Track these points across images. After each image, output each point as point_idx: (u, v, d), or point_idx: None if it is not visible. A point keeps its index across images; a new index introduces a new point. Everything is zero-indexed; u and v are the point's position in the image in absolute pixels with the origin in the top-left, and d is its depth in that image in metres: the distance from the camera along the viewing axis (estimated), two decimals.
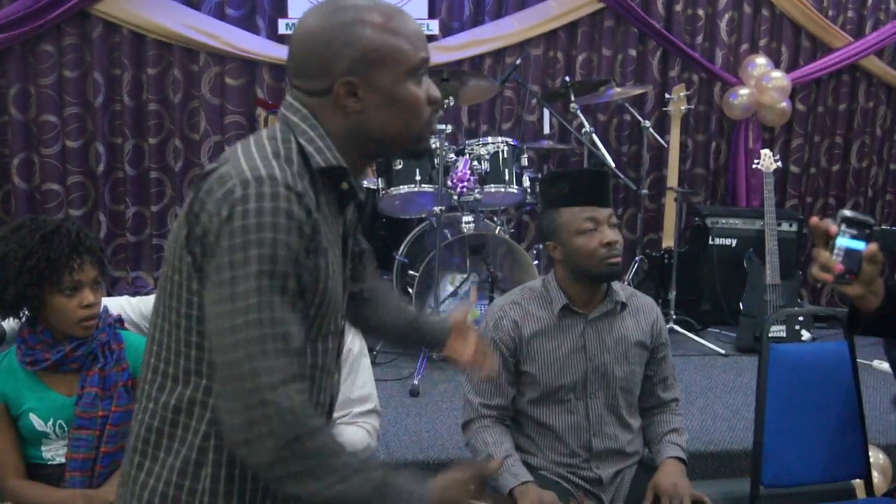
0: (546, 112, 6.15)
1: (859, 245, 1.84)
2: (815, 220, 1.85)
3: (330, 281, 1.71)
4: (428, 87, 1.77)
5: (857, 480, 3.55)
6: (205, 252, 1.61)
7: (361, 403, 2.89)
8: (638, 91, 6.40)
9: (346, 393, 2.86)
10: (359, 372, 2.91)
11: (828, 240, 1.84)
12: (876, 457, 4.15)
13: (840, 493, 3.67)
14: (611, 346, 2.92)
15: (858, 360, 5.32)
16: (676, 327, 5.94)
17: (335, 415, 2.89)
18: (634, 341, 2.96)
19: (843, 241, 1.83)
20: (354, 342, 2.90)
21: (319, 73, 1.70)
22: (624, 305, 2.96)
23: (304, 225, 1.61)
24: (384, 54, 1.70)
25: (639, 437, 3.04)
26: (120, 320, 2.74)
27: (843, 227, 1.85)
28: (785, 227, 6.32)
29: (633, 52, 6.83)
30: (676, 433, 3.04)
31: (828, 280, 1.83)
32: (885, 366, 5.29)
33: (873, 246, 1.84)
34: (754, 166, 6.07)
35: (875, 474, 3.95)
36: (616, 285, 3.00)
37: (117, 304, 2.98)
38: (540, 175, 5.61)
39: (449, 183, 5.28)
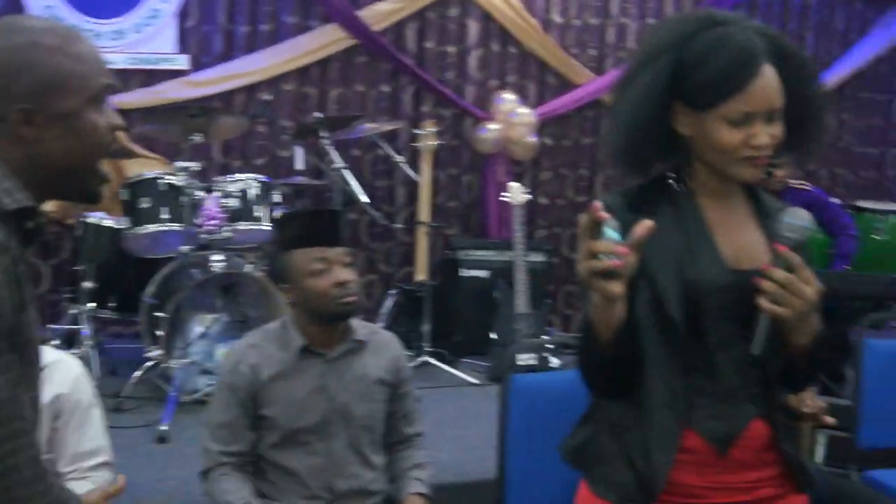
0: (298, 148, 6.13)
1: (618, 237, 1.77)
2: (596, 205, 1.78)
3: (33, 330, 1.63)
4: (108, 115, 1.70)
5: None
6: None
7: (92, 457, 2.76)
8: (390, 126, 6.48)
9: (75, 446, 2.73)
10: (89, 424, 2.78)
11: (598, 231, 1.76)
12: None
13: None
14: (351, 385, 2.91)
15: None
16: (430, 359, 6.01)
17: (65, 470, 2.77)
18: (375, 379, 2.96)
19: (610, 233, 1.76)
20: (82, 393, 2.77)
21: None
22: (364, 344, 2.96)
23: (11, 277, 1.53)
24: (62, 80, 1.62)
25: (383, 474, 3.04)
26: None
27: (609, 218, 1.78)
28: (534, 257, 6.51)
29: (386, 88, 6.91)
30: (419, 468, 3.07)
31: (612, 266, 1.73)
32: None
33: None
34: (502, 199, 6.24)
35: None
36: (356, 324, 3.00)
37: None
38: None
39: (197, 221, 5.18)
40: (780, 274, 1.86)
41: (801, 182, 6.03)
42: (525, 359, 5.78)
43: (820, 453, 4.45)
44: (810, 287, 1.86)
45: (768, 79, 1.94)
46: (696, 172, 2.05)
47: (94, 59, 1.69)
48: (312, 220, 2.83)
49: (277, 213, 5.38)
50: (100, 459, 2.80)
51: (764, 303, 1.87)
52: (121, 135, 5.91)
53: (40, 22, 1.64)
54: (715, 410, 1.99)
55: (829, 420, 3.10)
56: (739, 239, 2.03)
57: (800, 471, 2.05)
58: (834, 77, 7.90)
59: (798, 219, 1.94)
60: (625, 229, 1.79)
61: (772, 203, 2.08)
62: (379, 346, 3.03)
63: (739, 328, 1.95)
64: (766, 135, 1.96)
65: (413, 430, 3.13)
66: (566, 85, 7.37)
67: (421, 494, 2.97)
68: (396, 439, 3.10)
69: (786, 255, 1.87)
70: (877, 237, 7.43)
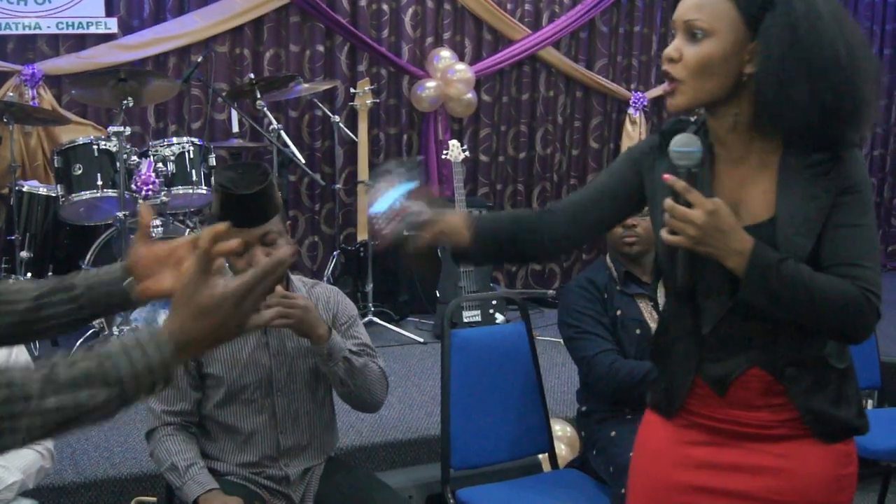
0: (233, 110, 6.07)
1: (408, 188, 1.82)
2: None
3: None
4: None
5: (542, 455, 3.72)
6: None
7: None
8: (326, 86, 6.44)
9: None
10: None
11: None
12: (563, 430, 4.34)
13: (528, 468, 3.82)
14: (294, 341, 2.89)
15: (543, 338, 5.62)
16: (375, 319, 6.01)
17: None
18: None
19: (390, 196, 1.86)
20: (19, 360, 2.73)
21: None
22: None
23: None
24: None
25: (327, 431, 3.04)
26: None
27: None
28: (476, 214, 6.49)
29: (320, 48, 6.84)
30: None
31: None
32: None
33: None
34: (443, 157, 6.23)
35: (562, 447, 4.14)
36: (296, 280, 2.99)
37: None
38: None
39: (133, 186, 5.11)
40: (666, 202, 1.92)
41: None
42: (470, 315, 5.80)
43: None
44: (696, 210, 1.89)
45: None
46: (720, 118, 2.03)
47: None
48: (227, 200, 2.71)
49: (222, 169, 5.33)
50: None
51: (663, 233, 1.95)
52: (52, 101, 5.84)
53: None
54: (716, 356, 2.07)
55: None
56: (743, 193, 2.03)
57: (820, 420, 2.03)
58: None
59: (686, 145, 1.95)
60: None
61: (809, 158, 1.98)
62: (318, 299, 3.01)
63: (727, 280, 1.97)
64: (674, 47, 1.99)
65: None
66: (502, 41, 7.35)
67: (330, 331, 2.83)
68: None
69: (671, 181, 1.92)
70: None
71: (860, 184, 1.96)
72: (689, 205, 1.91)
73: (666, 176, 1.94)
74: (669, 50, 1.99)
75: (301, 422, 2.92)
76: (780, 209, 1.96)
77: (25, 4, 6.14)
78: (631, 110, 7.68)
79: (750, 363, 2.04)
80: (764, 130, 1.99)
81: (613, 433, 3.35)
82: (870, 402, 4.70)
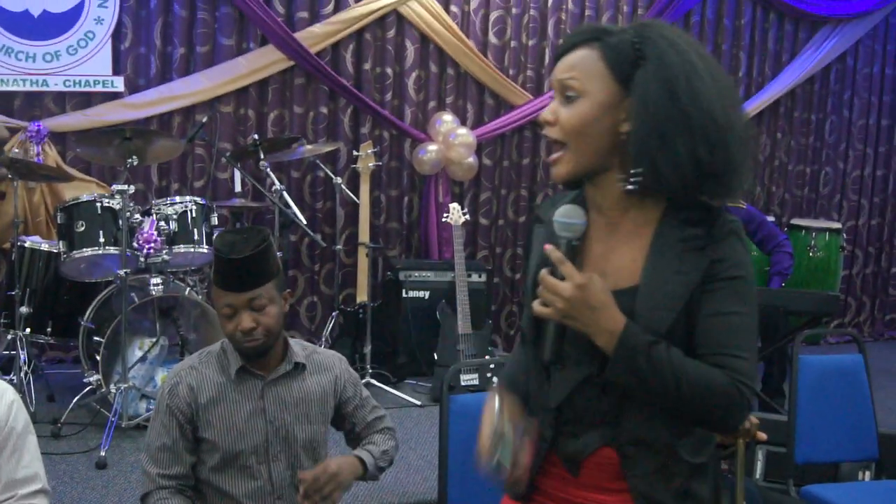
0: (236, 170, 6.11)
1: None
2: None
3: None
4: None
5: None
6: None
7: (27, 484, 2.71)
8: (329, 148, 6.48)
9: (11, 474, 2.68)
10: (23, 451, 2.73)
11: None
12: None
13: None
14: (291, 407, 2.89)
15: None
16: (373, 381, 5.99)
17: (0, 497, 2.72)
18: (316, 400, 2.95)
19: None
20: (17, 420, 2.72)
21: None
22: (303, 366, 2.94)
23: None
24: None
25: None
26: None
27: None
28: (475, 277, 6.53)
29: (324, 110, 6.90)
30: (373, 444, 3.05)
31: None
32: None
33: None
34: (443, 220, 6.26)
35: None
36: (296, 345, 2.98)
37: None
38: None
39: (135, 244, 5.13)
40: (541, 273, 1.87)
41: (736, 200, 6.11)
42: (468, 379, 5.80)
43: (758, 469, 4.51)
44: (566, 283, 1.83)
45: (571, 56, 1.94)
46: (599, 185, 1.99)
47: None
48: (220, 265, 2.75)
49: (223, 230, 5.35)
50: (35, 487, 2.75)
51: (534, 304, 1.89)
52: (56, 158, 5.89)
53: None
54: (571, 430, 2.00)
55: (762, 436, 3.13)
56: (612, 259, 1.97)
57: None
58: (768, 96, 8.06)
59: (569, 217, 1.92)
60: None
61: (684, 232, 1.93)
62: (320, 366, 3.01)
63: (588, 352, 1.91)
64: (549, 110, 1.96)
65: (377, 427, 3.11)
66: (504, 105, 7.42)
67: (360, 458, 2.95)
68: (362, 431, 3.11)
69: (548, 252, 1.87)
70: (811, 254, 7.56)
71: (741, 270, 1.90)
72: (563, 277, 1.86)
73: (546, 246, 1.90)
74: (545, 113, 1.96)
75: (298, 487, 2.91)
76: (644, 279, 1.90)
77: (34, 62, 6.22)
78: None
79: (602, 441, 1.97)
80: (640, 194, 1.93)
81: None
82: (867, 473, 4.68)
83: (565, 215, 1.91)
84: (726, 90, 1.91)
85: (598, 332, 1.84)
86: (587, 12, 7.49)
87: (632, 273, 1.93)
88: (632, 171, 1.90)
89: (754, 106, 7.99)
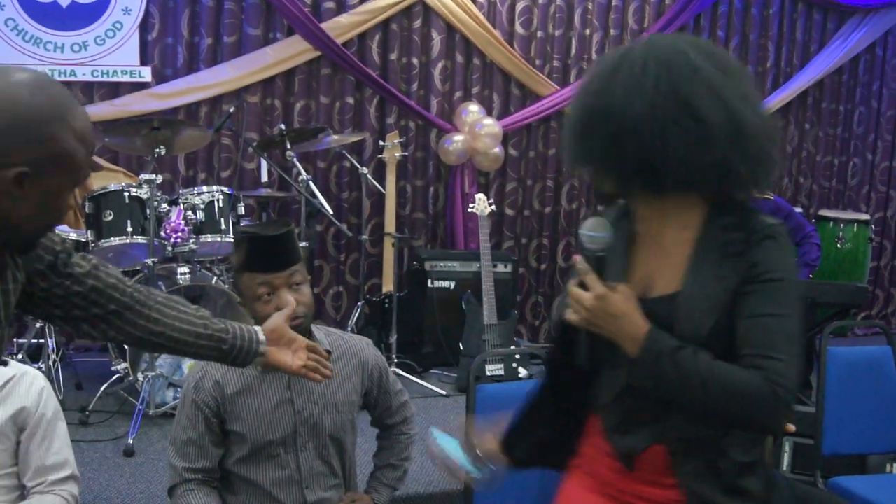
0: (263, 160, 6.13)
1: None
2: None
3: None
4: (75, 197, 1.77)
5: None
6: None
7: (57, 470, 2.76)
8: (355, 138, 6.49)
9: (41, 460, 2.73)
10: (53, 437, 2.77)
11: None
12: None
13: None
14: (319, 396, 2.90)
15: None
16: (398, 370, 6.01)
17: (30, 483, 2.75)
18: (343, 389, 2.96)
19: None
20: (47, 406, 2.76)
21: None
22: (329, 353, 2.95)
23: None
24: (68, 162, 1.65)
25: (351, 486, 3.04)
26: None
27: None
28: (501, 268, 6.53)
29: (350, 100, 6.91)
30: (392, 469, 3.14)
31: None
32: None
33: None
34: (469, 210, 6.26)
35: None
36: (320, 333, 2.99)
37: None
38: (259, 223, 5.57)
39: (162, 234, 5.16)
40: (569, 284, 2.00)
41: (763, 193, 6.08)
42: (493, 369, 5.80)
43: (785, 461, 4.49)
44: (587, 294, 1.94)
45: None
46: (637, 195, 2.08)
47: (91, 143, 1.70)
48: (254, 246, 2.76)
49: (242, 225, 5.37)
50: (65, 473, 2.79)
51: (567, 312, 2.01)
52: None
53: (63, 92, 1.66)
54: (622, 428, 2.10)
55: (790, 427, 3.11)
56: (656, 267, 2.05)
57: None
58: (796, 87, 8.01)
59: (595, 230, 1.99)
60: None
61: (724, 237, 2.00)
62: (346, 352, 3.02)
63: (621, 356, 1.99)
64: None
65: (395, 420, 3.18)
66: (530, 96, 7.40)
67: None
68: (382, 428, 3.20)
69: (576, 263, 1.98)
70: (839, 246, 7.51)
71: (780, 273, 1.93)
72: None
73: (576, 257, 2.01)
74: None
75: (325, 476, 2.92)
76: (685, 285, 1.98)
77: (62, 52, 6.26)
78: None
79: (652, 439, 2.05)
80: (677, 203, 2.02)
81: None
82: (894, 465, 4.66)
83: (590, 229, 1.99)
84: (736, 87, 1.94)
85: (622, 338, 1.95)
86: (614, 2, 7.46)
87: (674, 279, 2.01)
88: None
89: (782, 97, 7.94)
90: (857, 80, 8.36)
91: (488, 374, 5.77)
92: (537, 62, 7.36)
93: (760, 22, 7.94)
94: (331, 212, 5.69)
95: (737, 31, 7.85)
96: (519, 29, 7.29)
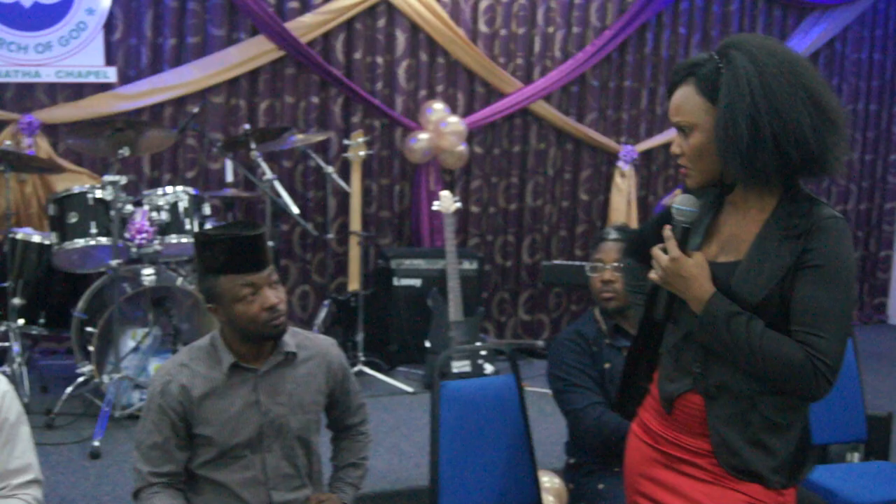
0: (228, 160, 6.13)
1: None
2: None
3: None
4: None
5: None
6: None
7: (20, 475, 2.75)
8: (320, 137, 6.50)
9: (4, 464, 2.71)
10: (16, 441, 2.76)
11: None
12: (551, 481, 4.35)
13: None
14: (284, 398, 2.91)
15: (533, 389, 5.64)
16: (365, 369, 6.04)
17: None
18: (309, 389, 2.97)
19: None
20: (10, 410, 2.75)
21: None
22: (295, 355, 2.97)
23: None
24: None
25: (318, 485, 3.06)
26: None
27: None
28: (466, 265, 6.56)
29: (315, 100, 6.92)
30: (354, 467, 3.16)
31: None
32: None
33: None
34: (433, 208, 6.29)
35: (550, 498, 4.14)
36: (288, 334, 3.00)
37: None
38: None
39: (127, 235, 5.16)
40: (654, 248, 2.28)
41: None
42: (459, 366, 5.83)
43: None
44: (665, 256, 2.24)
45: (675, 97, 2.27)
46: (726, 179, 2.29)
47: None
48: (235, 246, 2.76)
49: (207, 226, 5.37)
50: (28, 477, 2.78)
51: (651, 273, 2.30)
52: (48, 150, 5.90)
53: None
54: (669, 375, 2.35)
55: None
56: (733, 235, 2.28)
57: (729, 451, 2.23)
58: None
59: (684, 204, 2.25)
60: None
61: (789, 221, 2.20)
62: (312, 354, 3.03)
63: (689, 313, 2.26)
64: (675, 144, 2.30)
65: (355, 420, 3.19)
66: (494, 93, 7.43)
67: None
68: (339, 429, 3.19)
69: (664, 232, 2.27)
70: None
71: (830, 259, 2.15)
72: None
73: (665, 226, 2.27)
74: (673, 147, 2.31)
75: (291, 477, 2.94)
76: (748, 255, 2.21)
77: (26, 53, 6.23)
78: (620, 163, 7.75)
79: (692, 385, 2.29)
80: (756, 188, 2.23)
81: (601, 486, 3.37)
82: (856, 455, 4.73)
83: (681, 203, 2.26)
84: (808, 85, 2.14)
85: (689, 298, 2.23)
86: (576, 0, 7.51)
87: (741, 250, 2.25)
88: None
89: None
90: None
91: (455, 370, 5.80)
92: (501, 60, 7.39)
93: (721, 18, 8.01)
94: (297, 211, 5.70)
95: (698, 28, 7.92)
96: (483, 27, 7.32)
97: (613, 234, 3.55)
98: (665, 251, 2.25)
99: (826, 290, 2.13)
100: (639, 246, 2.60)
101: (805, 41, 8.20)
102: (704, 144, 2.21)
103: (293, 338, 3.01)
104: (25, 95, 6.30)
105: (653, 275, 2.29)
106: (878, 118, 8.74)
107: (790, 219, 2.19)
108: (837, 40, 8.45)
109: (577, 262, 6.85)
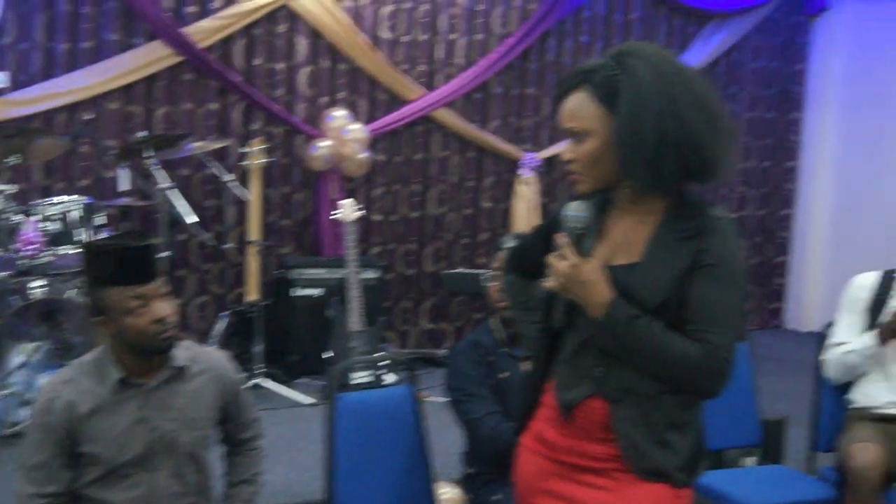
0: (122, 169, 6.00)
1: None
2: None
3: None
4: None
5: None
6: None
7: None
8: (218, 145, 6.41)
9: None
10: None
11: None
12: (452, 492, 4.32)
13: None
14: (174, 414, 2.83)
15: (435, 399, 5.62)
16: (264, 381, 5.95)
17: None
18: (200, 405, 2.90)
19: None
20: None
21: None
22: (185, 369, 2.89)
23: None
24: None
25: (209, 501, 2.99)
26: None
27: None
28: (368, 274, 6.51)
29: (214, 106, 6.81)
30: (247, 484, 3.08)
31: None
32: None
33: None
34: (333, 216, 6.22)
35: None
36: (178, 347, 2.93)
37: None
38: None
39: (15, 246, 5.01)
40: (550, 256, 2.26)
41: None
42: (359, 376, 5.76)
43: None
44: (563, 263, 2.21)
45: (568, 103, 2.27)
46: (615, 186, 2.31)
47: None
48: (124, 257, 2.68)
49: (101, 236, 5.25)
50: None
51: (547, 280, 2.29)
52: None
53: None
54: (568, 383, 2.32)
55: None
56: (625, 238, 2.29)
57: (637, 454, 2.23)
58: None
59: (575, 211, 2.24)
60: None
61: (682, 223, 2.25)
62: (203, 368, 2.95)
63: (586, 319, 2.26)
64: (567, 150, 2.30)
65: (247, 435, 3.11)
66: (397, 101, 7.40)
67: None
68: (233, 444, 3.11)
69: (557, 238, 2.25)
70: None
71: (722, 259, 2.20)
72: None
73: (558, 234, 2.25)
74: (564, 152, 2.32)
75: (179, 496, 2.86)
76: (644, 258, 2.24)
77: None
78: (523, 170, 7.77)
79: (592, 390, 2.28)
80: (646, 193, 2.25)
81: (499, 496, 3.36)
82: (751, 459, 4.79)
83: (574, 210, 2.25)
84: (700, 93, 2.21)
85: (589, 303, 2.21)
86: (479, 6, 7.52)
87: (635, 253, 2.26)
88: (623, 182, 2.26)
89: None
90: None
91: (354, 381, 5.72)
92: (404, 67, 7.36)
93: (623, 27, 8.10)
94: (194, 220, 5.58)
95: (600, 36, 7.99)
96: (385, 33, 7.28)
97: (510, 243, 3.54)
98: (561, 259, 2.24)
99: (719, 289, 2.19)
100: (521, 260, 2.65)
101: (705, 49, 8.34)
102: (599, 150, 2.21)
103: (186, 351, 2.94)
104: None
105: (550, 283, 2.27)
106: (775, 125, 8.91)
107: (682, 221, 2.24)
108: (736, 49, 8.61)
109: (478, 271, 6.85)
